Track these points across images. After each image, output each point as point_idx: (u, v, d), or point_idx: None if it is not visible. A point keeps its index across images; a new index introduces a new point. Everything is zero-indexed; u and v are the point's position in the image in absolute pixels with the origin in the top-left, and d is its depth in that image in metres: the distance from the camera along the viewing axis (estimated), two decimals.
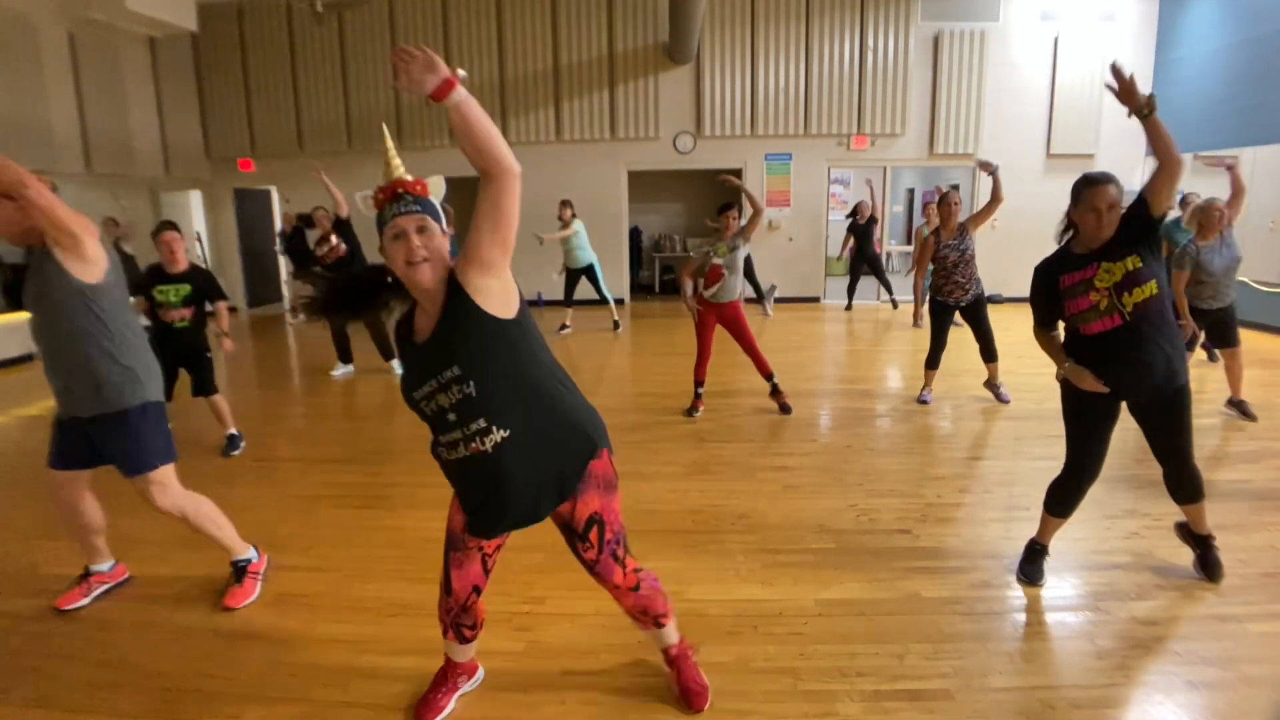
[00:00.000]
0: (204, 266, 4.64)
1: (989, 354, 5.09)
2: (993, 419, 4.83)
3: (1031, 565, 2.77)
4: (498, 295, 1.56)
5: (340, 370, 6.56)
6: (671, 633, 2.05)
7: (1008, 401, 5.12)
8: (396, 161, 1.62)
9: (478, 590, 1.87)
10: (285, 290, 11.64)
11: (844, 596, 2.64)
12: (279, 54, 10.32)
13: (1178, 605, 2.54)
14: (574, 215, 8.32)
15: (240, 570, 2.77)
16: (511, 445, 1.58)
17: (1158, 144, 2.27)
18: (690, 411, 4.98)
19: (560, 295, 8.76)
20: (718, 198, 12.12)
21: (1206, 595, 2.60)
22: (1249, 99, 8.06)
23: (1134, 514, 3.28)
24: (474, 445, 1.57)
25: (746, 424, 4.83)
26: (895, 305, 9.83)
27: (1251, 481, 3.67)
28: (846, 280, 9.97)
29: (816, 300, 10.62)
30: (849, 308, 9.98)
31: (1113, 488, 3.61)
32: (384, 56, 10.16)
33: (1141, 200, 2.38)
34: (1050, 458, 4.06)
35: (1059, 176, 10.03)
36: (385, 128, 1.81)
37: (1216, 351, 7.28)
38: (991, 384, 5.19)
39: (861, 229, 9.29)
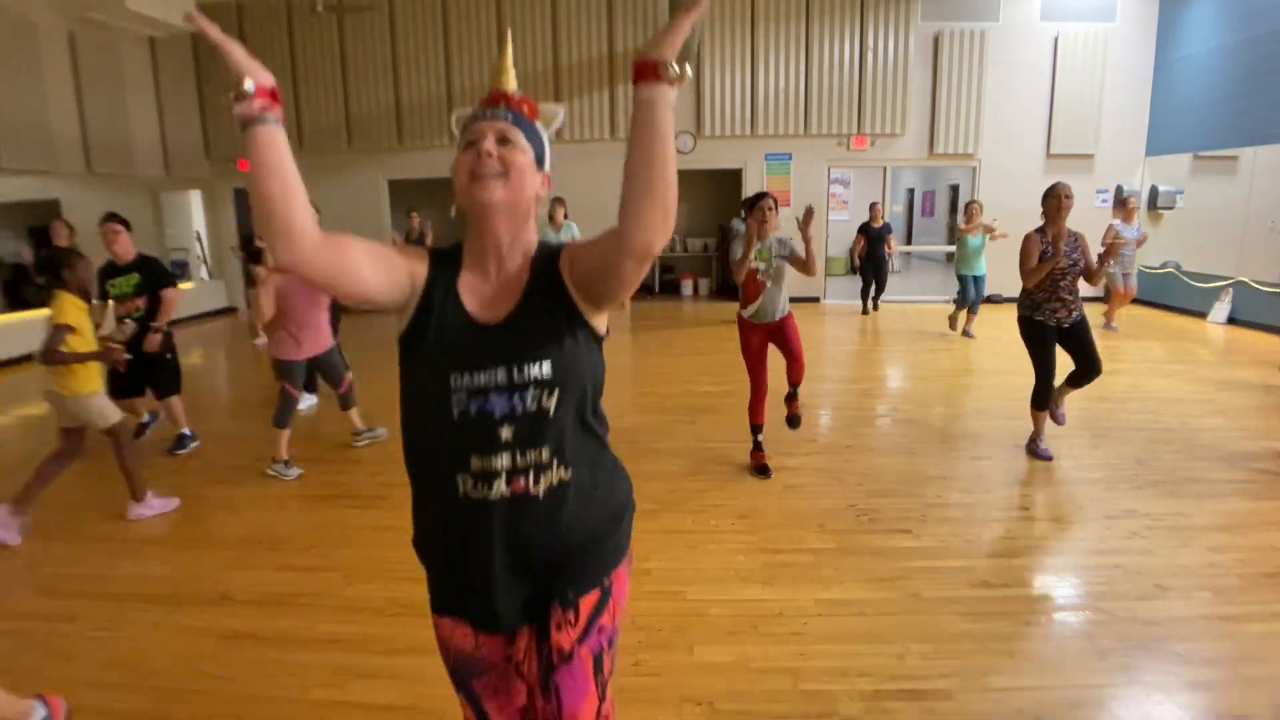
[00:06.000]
0: (154, 256, 4.42)
1: (1083, 381, 4.05)
2: (993, 419, 4.83)
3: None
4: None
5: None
6: None
7: (1062, 423, 4.22)
8: (510, 72, 1.24)
9: None
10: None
11: (844, 596, 2.64)
12: (279, 54, 10.31)
13: (1178, 605, 2.54)
14: (566, 216, 8.30)
15: None
16: (567, 491, 1.17)
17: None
18: (760, 471, 3.90)
19: None
20: (717, 197, 12.15)
21: (1206, 595, 2.60)
22: (1249, 99, 8.06)
23: (1134, 514, 3.28)
24: (518, 483, 1.13)
25: (747, 424, 4.81)
26: (876, 309, 9.68)
27: (1251, 482, 3.67)
28: (858, 284, 9.78)
29: (816, 301, 10.62)
30: (875, 308, 9.72)
31: (1113, 487, 3.61)
32: (384, 56, 10.16)
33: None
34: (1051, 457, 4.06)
35: (1059, 176, 9.95)
36: (510, 34, 1.41)
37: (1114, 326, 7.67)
38: (1052, 409, 4.13)
39: (875, 232, 9.22)
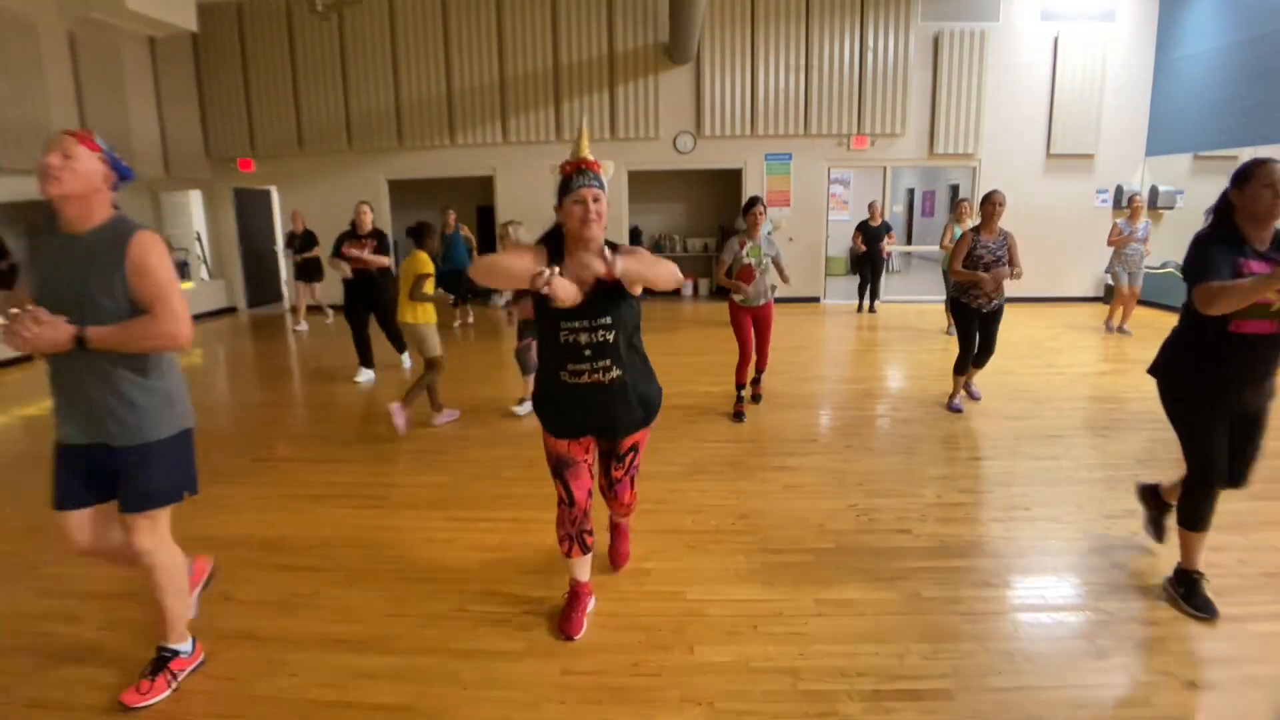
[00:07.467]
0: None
1: (980, 362, 5.02)
2: (993, 419, 4.83)
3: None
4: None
5: (363, 376, 6.24)
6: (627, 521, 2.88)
7: (978, 398, 5.27)
8: (587, 146, 2.24)
9: (589, 495, 2.40)
10: (285, 291, 11.56)
11: (844, 596, 2.64)
12: (279, 54, 10.31)
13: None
14: None
15: (162, 661, 2.18)
16: (621, 382, 2.24)
17: None
18: (736, 416, 4.90)
19: None
20: (717, 198, 12.16)
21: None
22: (1249, 99, 8.06)
23: (1134, 514, 3.26)
24: (596, 376, 2.20)
25: (747, 424, 4.82)
26: (874, 310, 9.67)
27: (1251, 481, 3.66)
28: (856, 283, 9.79)
29: (816, 300, 10.62)
30: (872, 310, 9.69)
31: (1113, 487, 3.61)
32: (384, 56, 10.16)
33: None
34: (1050, 457, 4.06)
35: (1059, 176, 10.04)
36: (585, 120, 2.37)
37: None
38: (967, 385, 5.27)
39: (874, 231, 9.19)
